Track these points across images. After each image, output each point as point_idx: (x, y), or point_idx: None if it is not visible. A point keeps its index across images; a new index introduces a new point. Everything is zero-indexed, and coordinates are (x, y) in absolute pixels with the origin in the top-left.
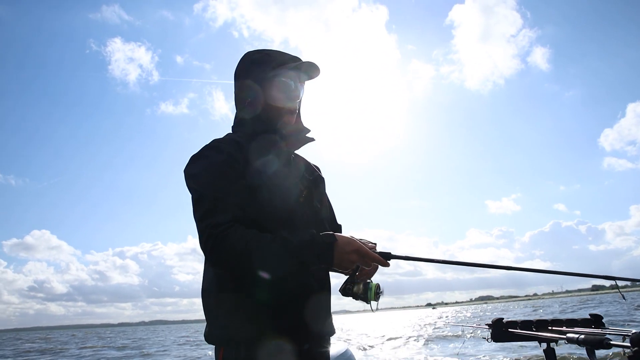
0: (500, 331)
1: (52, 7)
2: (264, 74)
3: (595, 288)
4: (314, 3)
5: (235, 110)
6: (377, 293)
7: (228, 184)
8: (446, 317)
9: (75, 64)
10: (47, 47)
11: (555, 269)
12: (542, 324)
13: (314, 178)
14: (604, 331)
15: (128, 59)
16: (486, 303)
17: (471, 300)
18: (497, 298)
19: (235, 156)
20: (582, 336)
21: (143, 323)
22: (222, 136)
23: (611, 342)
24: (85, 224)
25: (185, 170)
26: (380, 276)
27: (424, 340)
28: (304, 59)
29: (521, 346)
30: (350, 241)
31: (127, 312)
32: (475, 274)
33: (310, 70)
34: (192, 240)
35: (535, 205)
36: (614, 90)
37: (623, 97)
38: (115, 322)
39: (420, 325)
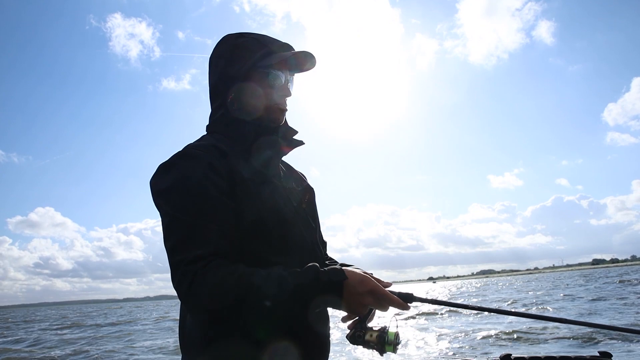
0: None
1: None
2: (251, 64)
3: (596, 262)
4: None
5: (210, 104)
6: (395, 344)
7: (208, 205)
8: (448, 290)
9: (76, 41)
10: (47, 24)
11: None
12: None
13: (303, 189)
14: None
15: (129, 35)
16: (487, 277)
17: (473, 274)
18: (499, 272)
19: (217, 167)
20: None
21: (148, 298)
22: (196, 139)
23: None
24: (89, 200)
25: (152, 183)
26: (382, 250)
27: None
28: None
29: None
30: (364, 279)
31: (132, 288)
32: (478, 248)
33: (305, 61)
34: None
35: (537, 179)
36: (619, 64)
37: (628, 72)
38: (121, 297)
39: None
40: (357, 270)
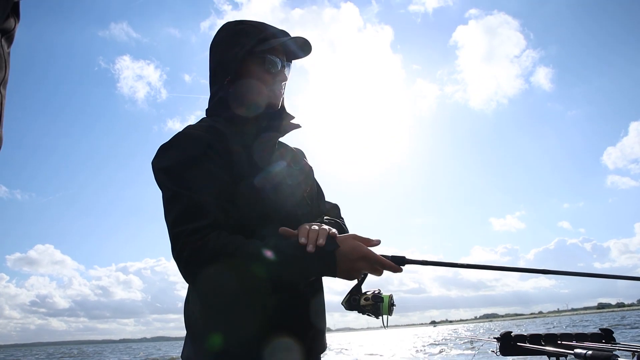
0: (509, 345)
1: (60, 23)
2: (248, 48)
3: (601, 306)
4: (319, 23)
5: (209, 89)
6: (390, 306)
7: (207, 180)
8: (442, 338)
9: (84, 81)
10: (56, 63)
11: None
12: (550, 338)
13: (300, 167)
14: (613, 346)
15: (137, 77)
16: (491, 321)
17: (476, 318)
18: (502, 316)
19: (215, 147)
20: (590, 352)
21: (145, 339)
22: (196, 122)
23: (619, 358)
24: (89, 238)
25: (153, 163)
26: (384, 293)
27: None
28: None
29: None
30: (356, 246)
31: (129, 328)
32: (480, 291)
33: (301, 47)
34: None
35: (539, 222)
36: (616, 109)
37: (626, 116)
38: (117, 338)
39: (428, 341)
40: (349, 236)
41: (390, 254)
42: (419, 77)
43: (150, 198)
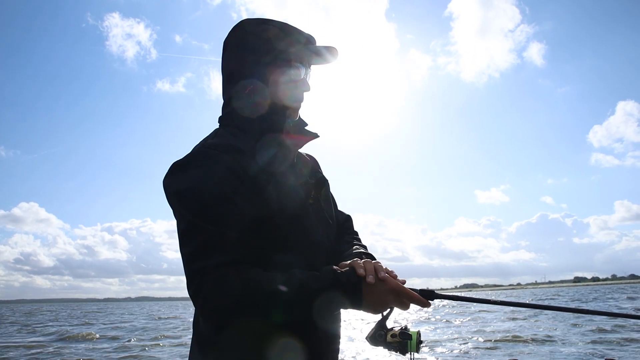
0: None
1: None
2: (273, 55)
3: (577, 280)
4: None
5: (222, 94)
6: (418, 343)
7: (227, 211)
8: None
9: (72, 38)
10: (41, 17)
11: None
12: None
13: (317, 180)
14: None
15: (126, 35)
16: (470, 290)
17: (456, 287)
18: (482, 286)
19: (235, 170)
20: None
21: (129, 299)
22: (211, 133)
23: None
24: (75, 198)
25: (166, 183)
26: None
27: None
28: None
29: None
30: (384, 278)
31: (113, 288)
32: (462, 261)
33: (329, 56)
34: None
35: (523, 196)
36: (605, 88)
37: (614, 95)
38: (102, 297)
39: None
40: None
41: (418, 288)
42: (412, 47)
43: (138, 159)
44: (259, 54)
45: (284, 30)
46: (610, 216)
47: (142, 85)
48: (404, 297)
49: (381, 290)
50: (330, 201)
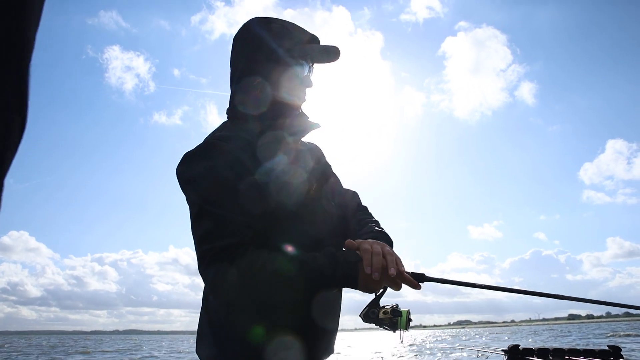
0: (516, 358)
1: (48, 8)
2: (277, 53)
3: (572, 317)
4: (310, 25)
5: (230, 86)
6: (408, 321)
7: (236, 197)
8: (420, 339)
9: (71, 68)
10: (42, 48)
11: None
12: (558, 353)
13: (321, 167)
14: None
15: (125, 68)
16: (463, 327)
17: (449, 324)
18: (475, 323)
19: (243, 160)
20: None
21: (117, 332)
22: (219, 126)
23: None
24: (66, 227)
25: (179, 172)
26: (360, 296)
27: None
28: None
29: None
30: None
31: (101, 320)
32: (455, 298)
33: (332, 55)
34: (174, 250)
35: (516, 232)
36: (595, 126)
37: (603, 134)
38: (88, 329)
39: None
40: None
41: (410, 271)
42: (407, 85)
43: (131, 190)
44: (264, 51)
45: (288, 28)
46: (603, 253)
47: (139, 117)
48: (397, 277)
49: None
50: (334, 192)
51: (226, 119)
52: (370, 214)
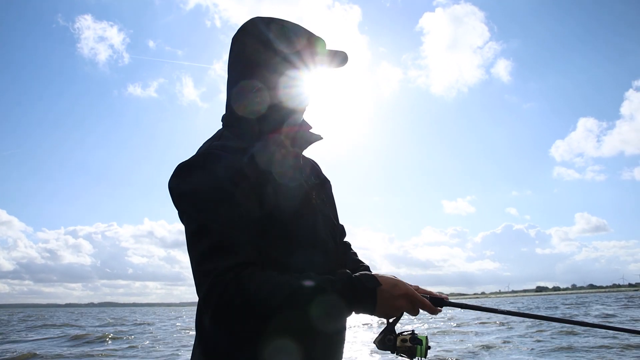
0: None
1: None
2: (283, 55)
3: (539, 289)
4: None
5: (227, 89)
6: (427, 348)
7: (237, 212)
8: None
9: (40, 38)
10: (9, 15)
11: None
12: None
13: (320, 182)
14: None
15: (99, 38)
16: None
17: None
18: (447, 295)
19: (244, 172)
20: None
21: (92, 304)
22: (215, 134)
23: None
24: (39, 200)
25: (172, 184)
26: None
27: None
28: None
29: None
30: (397, 283)
31: (76, 293)
32: (428, 270)
33: (337, 61)
34: (149, 223)
35: (488, 207)
36: (568, 104)
37: (576, 112)
38: (63, 302)
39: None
40: (387, 274)
41: (428, 295)
42: (384, 60)
43: (105, 162)
44: (264, 54)
45: (291, 29)
46: (571, 227)
47: (113, 89)
48: (416, 302)
49: (394, 295)
50: (334, 203)
51: (221, 127)
52: (356, 254)
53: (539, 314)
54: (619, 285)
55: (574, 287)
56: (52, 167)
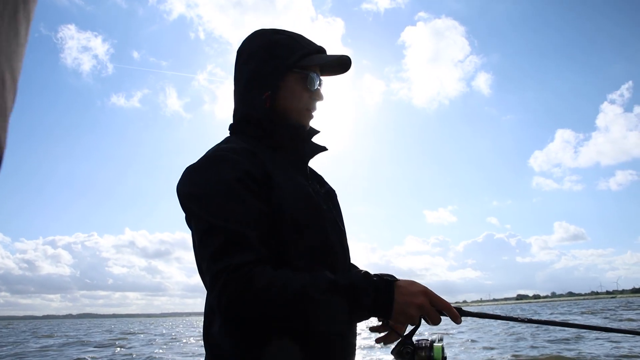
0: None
1: None
2: (286, 65)
3: (520, 297)
4: (272, 10)
5: (234, 100)
6: (444, 358)
7: (245, 210)
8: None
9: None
10: None
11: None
12: None
13: (326, 190)
14: None
15: (82, 48)
16: None
17: None
18: None
19: (252, 172)
20: None
21: (70, 316)
22: (223, 140)
23: None
24: (17, 210)
25: (180, 188)
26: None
27: None
28: None
29: None
30: (414, 282)
31: (54, 304)
32: (411, 278)
33: (343, 66)
34: (130, 233)
35: (470, 217)
36: (546, 116)
37: (553, 124)
38: (40, 314)
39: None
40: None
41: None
42: (367, 72)
43: (85, 172)
44: (271, 63)
45: (295, 39)
46: (550, 236)
47: (96, 99)
48: (437, 302)
49: (413, 292)
50: (340, 211)
51: (229, 135)
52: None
53: (577, 322)
54: (597, 292)
55: (553, 294)
56: (30, 176)
